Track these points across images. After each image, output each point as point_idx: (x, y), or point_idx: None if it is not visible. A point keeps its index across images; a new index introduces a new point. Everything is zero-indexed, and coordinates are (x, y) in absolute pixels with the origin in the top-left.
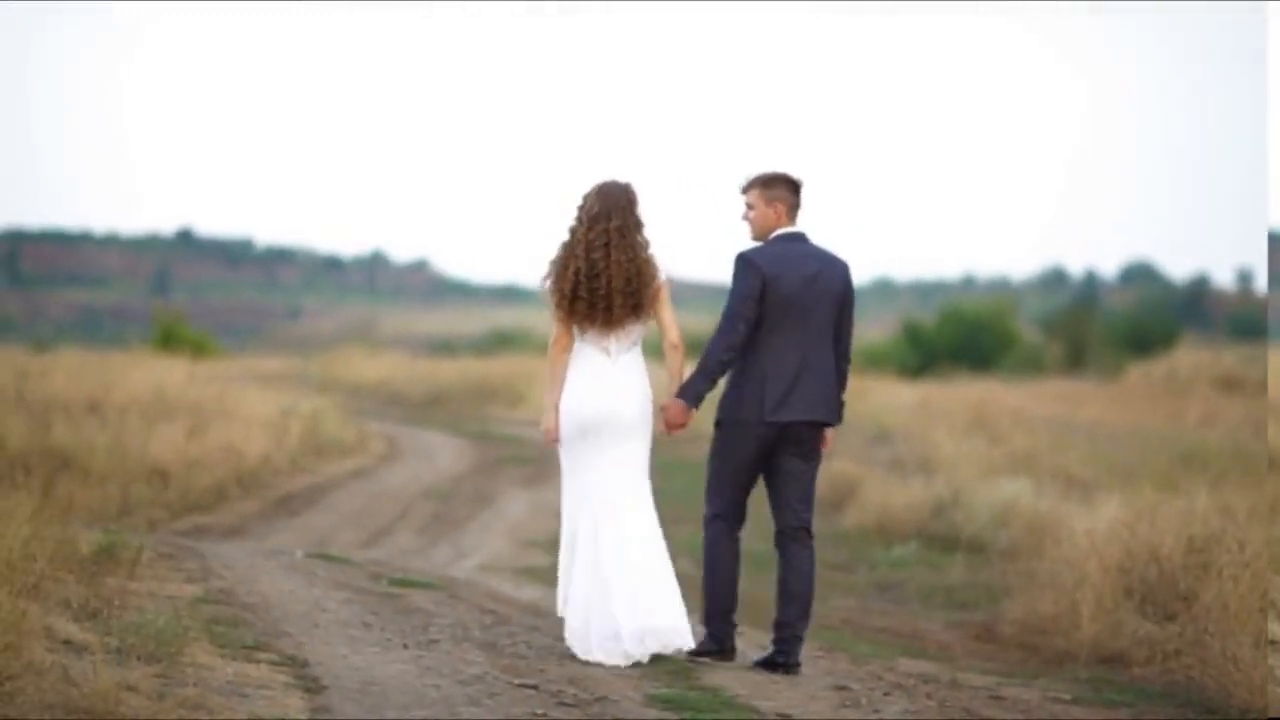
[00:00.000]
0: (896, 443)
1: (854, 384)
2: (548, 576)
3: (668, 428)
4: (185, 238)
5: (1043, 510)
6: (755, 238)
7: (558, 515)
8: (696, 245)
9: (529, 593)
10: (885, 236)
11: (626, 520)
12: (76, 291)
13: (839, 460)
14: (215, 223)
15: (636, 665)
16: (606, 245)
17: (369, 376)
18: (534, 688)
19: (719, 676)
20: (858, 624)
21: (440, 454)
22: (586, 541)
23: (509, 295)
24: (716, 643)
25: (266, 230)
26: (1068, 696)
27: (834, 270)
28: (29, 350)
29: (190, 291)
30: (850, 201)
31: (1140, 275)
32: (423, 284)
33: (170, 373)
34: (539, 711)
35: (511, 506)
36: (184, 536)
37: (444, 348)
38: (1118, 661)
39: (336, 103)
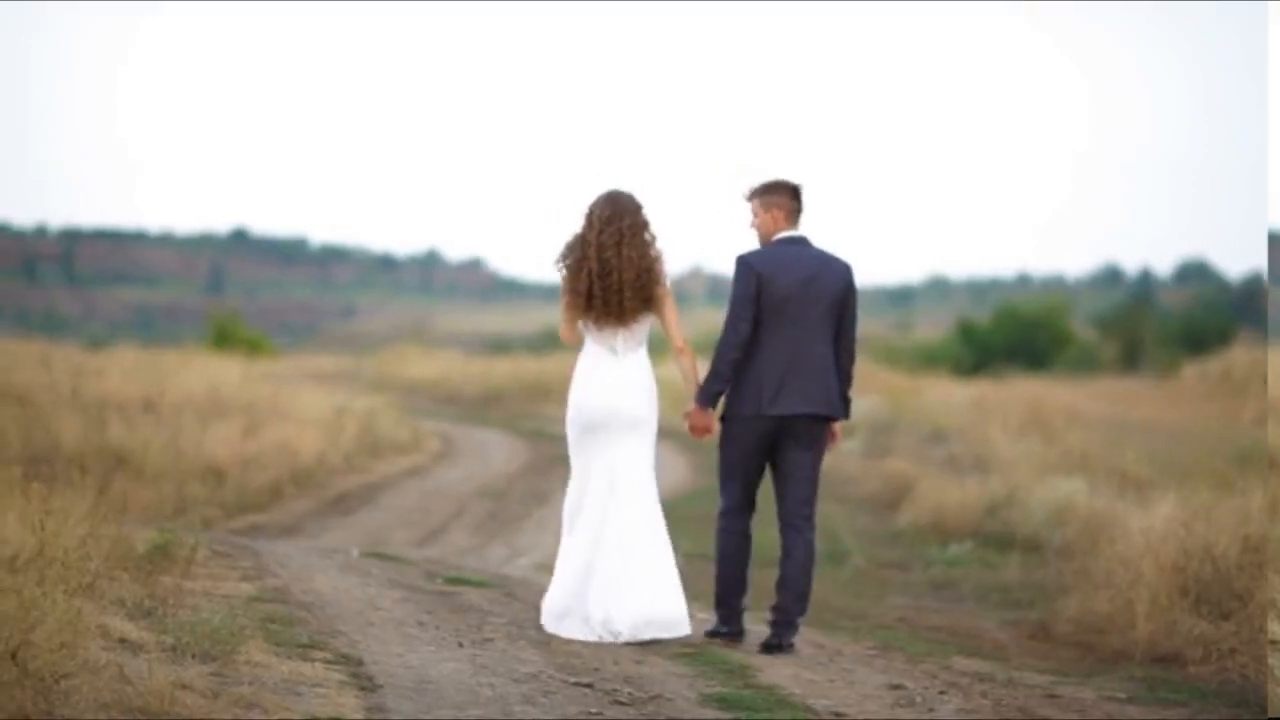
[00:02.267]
0: (951, 441)
1: (908, 383)
2: None
3: (694, 433)
4: (240, 236)
5: (1098, 509)
6: (760, 242)
7: None
8: (748, 245)
9: None
10: (940, 235)
11: (628, 513)
12: (131, 290)
13: (894, 459)
14: (269, 221)
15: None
16: (619, 243)
17: (423, 375)
18: (589, 686)
19: (774, 675)
20: (913, 622)
21: (495, 452)
22: (585, 529)
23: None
24: (725, 625)
25: (321, 229)
26: (1123, 695)
27: (832, 272)
28: (84, 349)
29: (244, 290)
30: (905, 200)
31: (1195, 274)
32: (477, 282)
33: (225, 372)
34: (593, 710)
35: (563, 505)
36: (239, 535)
37: (498, 346)
38: (1173, 661)
39: (392, 102)
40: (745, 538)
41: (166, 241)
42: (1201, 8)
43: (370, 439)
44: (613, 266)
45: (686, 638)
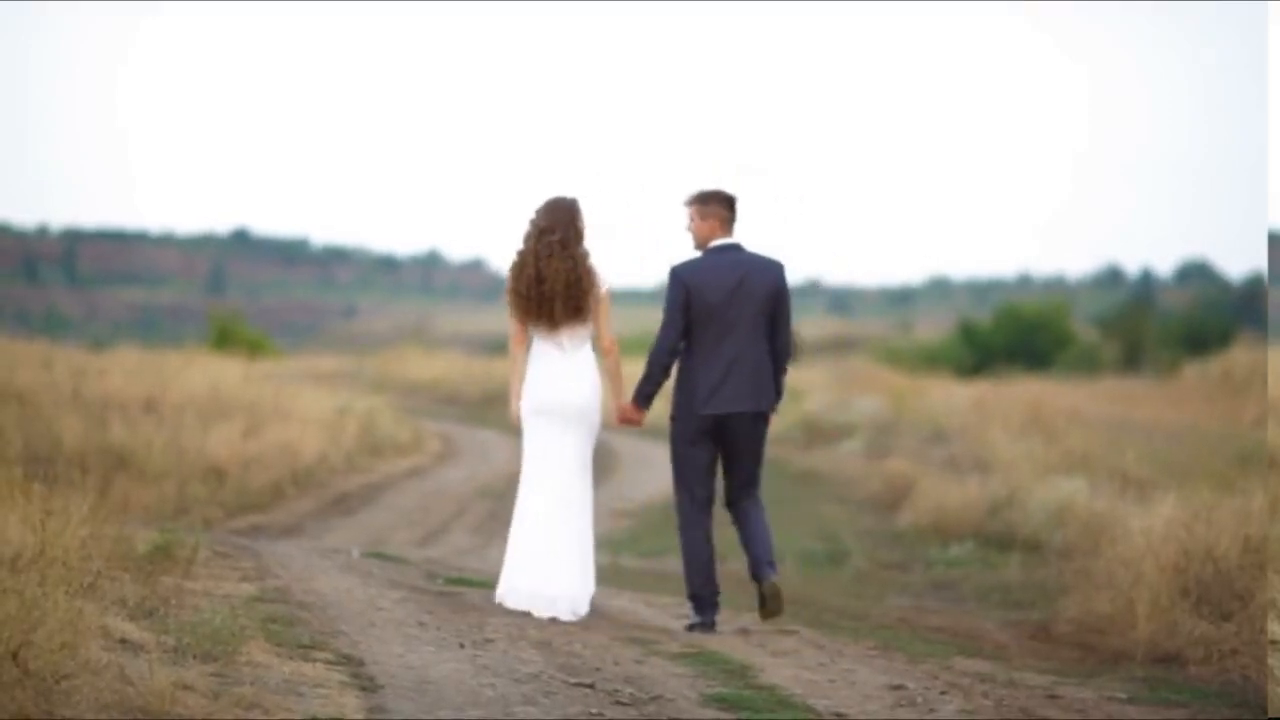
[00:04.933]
0: (952, 442)
1: (910, 383)
2: (602, 576)
3: (620, 422)
4: (241, 237)
5: (1099, 509)
6: (695, 248)
7: (612, 515)
8: (750, 245)
9: None
10: (941, 235)
11: (568, 496)
12: (133, 291)
13: (895, 459)
14: (271, 222)
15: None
16: (550, 256)
17: (424, 376)
18: (590, 687)
19: (775, 675)
20: (914, 623)
21: (495, 453)
22: (535, 513)
23: None
24: (699, 615)
25: (322, 229)
26: (1124, 696)
27: (763, 275)
28: (86, 349)
29: (246, 291)
30: (906, 201)
31: (1196, 274)
32: (478, 283)
33: (226, 372)
34: (594, 711)
35: None
36: (240, 535)
37: (499, 347)
38: (1174, 661)
39: (393, 102)
40: (708, 536)
41: (168, 242)
42: (1201, 8)
43: (371, 439)
44: (545, 276)
45: (584, 617)
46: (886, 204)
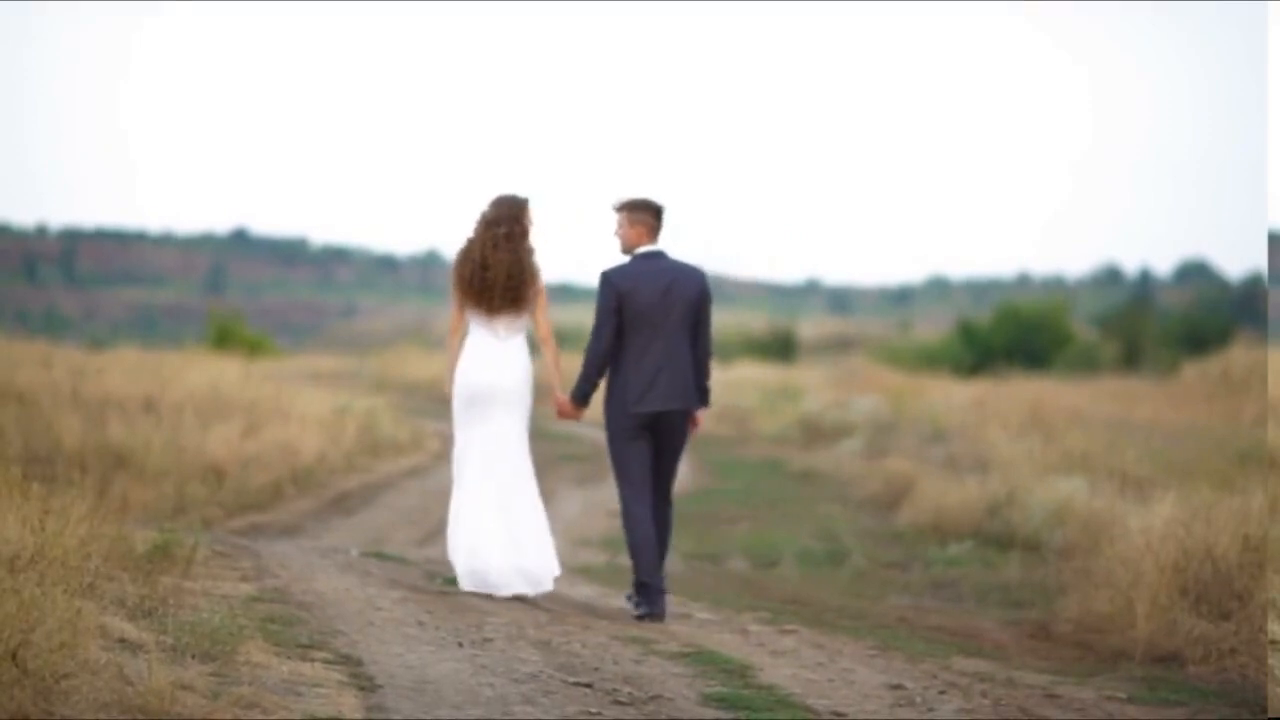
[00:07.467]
0: (952, 441)
1: (909, 383)
2: (602, 575)
3: (559, 415)
4: (240, 237)
5: (1098, 509)
6: (623, 252)
7: (610, 515)
8: (750, 245)
9: (583, 591)
10: (940, 235)
11: (506, 477)
12: (132, 290)
13: (894, 459)
14: (270, 222)
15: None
16: (495, 246)
17: (424, 375)
18: (589, 686)
19: (774, 674)
20: (913, 622)
21: None
22: (471, 493)
23: (561, 294)
24: (648, 606)
25: (321, 229)
26: (1123, 695)
27: (688, 280)
28: (85, 349)
29: (245, 290)
30: (905, 200)
31: (1195, 273)
32: None
33: (225, 371)
34: (593, 710)
35: (565, 505)
36: (239, 535)
37: None
38: (1173, 660)
39: (393, 102)
40: (650, 523)
41: (167, 241)
42: (1201, 8)
43: (371, 439)
44: (489, 264)
45: (544, 592)
46: (886, 203)
